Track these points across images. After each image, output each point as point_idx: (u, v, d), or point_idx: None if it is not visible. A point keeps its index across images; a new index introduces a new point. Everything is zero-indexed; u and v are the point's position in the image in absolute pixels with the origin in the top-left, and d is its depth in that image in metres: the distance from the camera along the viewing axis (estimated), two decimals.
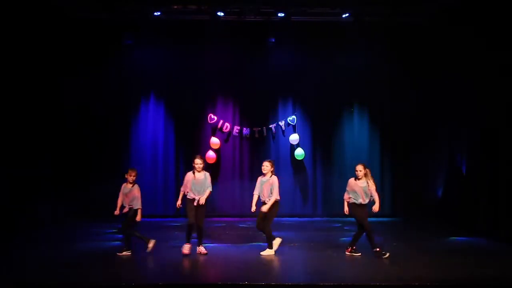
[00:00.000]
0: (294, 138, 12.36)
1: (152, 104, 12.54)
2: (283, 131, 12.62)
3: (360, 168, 7.91)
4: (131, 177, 8.14)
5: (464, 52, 10.56)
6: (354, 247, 8.02)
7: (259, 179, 8.18)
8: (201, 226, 8.00)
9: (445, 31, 11.27)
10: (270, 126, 12.54)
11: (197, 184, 7.98)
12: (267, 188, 8.02)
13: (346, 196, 8.05)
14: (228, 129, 12.47)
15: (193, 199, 7.94)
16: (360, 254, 7.93)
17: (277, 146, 12.63)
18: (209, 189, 8.04)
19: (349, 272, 7.14)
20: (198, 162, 8.05)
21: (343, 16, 11.45)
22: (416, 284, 6.31)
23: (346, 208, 8.06)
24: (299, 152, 12.28)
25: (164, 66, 12.38)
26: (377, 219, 12.08)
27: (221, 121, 12.49)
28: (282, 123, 12.60)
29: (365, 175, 7.92)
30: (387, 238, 9.35)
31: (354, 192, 7.90)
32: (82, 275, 6.84)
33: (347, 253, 8.01)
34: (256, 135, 12.46)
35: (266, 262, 7.64)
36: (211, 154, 12.19)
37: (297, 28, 11.84)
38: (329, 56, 12.38)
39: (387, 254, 7.78)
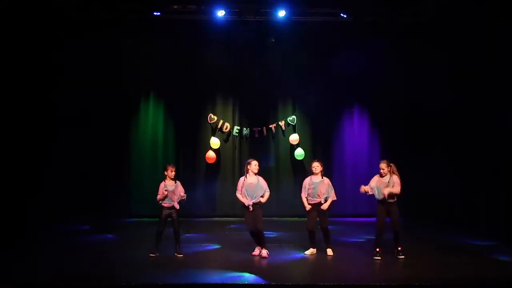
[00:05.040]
0: (294, 138, 12.35)
1: (152, 104, 12.53)
2: (283, 131, 12.61)
3: (383, 166, 8.01)
4: (172, 173, 8.08)
5: (464, 51, 10.56)
6: (399, 248, 7.91)
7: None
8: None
9: (445, 31, 11.27)
10: (270, 126, 12.53)
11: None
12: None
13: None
14: (228, 129, 12.48)
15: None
16: (404, 256, 7.81)
17: (277, 146, 12.61)
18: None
19: (349, 272, 7.14)
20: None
21: (343, 16, 11.43)
22: (416, 284, 6.32)
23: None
24: (299, 152, 12.27)
25: (164, 66, 12.36)
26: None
27: (221, 121, 12.50)
28: (282, 123, 12.59)
29: (390, 171, 8.01)
30: (387, 238, 9.32)
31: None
32: (82, 274, 6.85)
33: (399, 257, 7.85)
34: (256, 135, 12.44)
35: (266, 262, 7.64)
36: (211, 154, 12.19)
37: (297, 28, 11.84)
38: (329, 56, 12.35)
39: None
